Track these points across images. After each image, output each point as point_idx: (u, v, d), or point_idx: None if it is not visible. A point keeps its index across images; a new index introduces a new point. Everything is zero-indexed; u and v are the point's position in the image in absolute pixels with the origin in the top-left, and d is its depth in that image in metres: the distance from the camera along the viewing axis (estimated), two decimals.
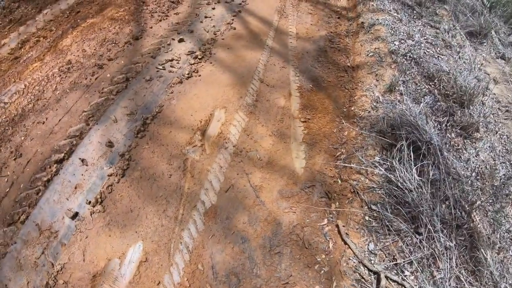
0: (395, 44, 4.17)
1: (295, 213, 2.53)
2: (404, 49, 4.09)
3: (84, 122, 3.15)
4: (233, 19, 4.58)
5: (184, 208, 2.54)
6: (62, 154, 2.92)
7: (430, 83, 3.62)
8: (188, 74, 3.60)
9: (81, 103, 3.36)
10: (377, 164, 2.74)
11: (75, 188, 2.70)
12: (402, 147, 2.64)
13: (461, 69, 3.61)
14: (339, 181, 2.77)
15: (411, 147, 2.65)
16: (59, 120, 3.24)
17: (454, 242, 2.23)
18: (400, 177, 2.52)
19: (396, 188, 2.51)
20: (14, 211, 2.63)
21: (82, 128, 3.10)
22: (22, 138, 3.16)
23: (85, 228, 2.47)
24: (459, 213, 2.34)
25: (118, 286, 2.18)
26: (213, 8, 4.75)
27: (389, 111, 3.10)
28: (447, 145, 2.91)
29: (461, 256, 2.22)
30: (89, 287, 2.19)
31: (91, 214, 2.53)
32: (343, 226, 2.42)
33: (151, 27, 4.37)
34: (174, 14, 4.65)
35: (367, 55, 4.09)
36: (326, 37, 4.60)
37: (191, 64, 3.73)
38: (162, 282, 2.18)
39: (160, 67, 3.69)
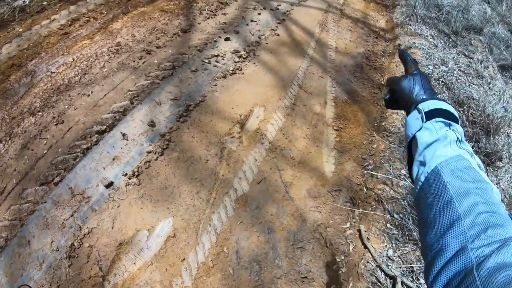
0: (429, 68, 4.31)
1: (320, 213, 2.63)
2: (437, 74, 4.23)
3: (129, 100, 3.31)
4: (277, 26, 4.75)
5: (217, 193, 2.65)
6: (104, 126, 3.06)
7: (459, 109, 3.73)
8: (232, 70, 3.76)
9: (127, 82, 3.53)
10: (403, 177, 2.86)
11: (113, 159, 2.81)
12: None
13: (490, 99, 3.72)
14: (365, 189, 2.88)
15: None
16: (104, 95, 3.40)
17: None
18: None
19: None
20: (49, 173, 2.72)
21: (126, 106, 3.26)
22: (66, 106, 3.31)
23: (118, 197, 2.55)
24: None
25: (143, 257, 2.25)
26: (259, 14, 4.93)
27: None
28: None
29: None
30: (114, 254, 2.25)
31: (125, 186, 2.62)
32: (365, 231, 2.51)
33: (199, 23, 4.56)
34: (222, 14, 4.85)
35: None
36: (363, 54, 4.75)
37: (235, 62, 3.89)
38: (186, 259, 2.25)
39: (206, 61, 3.85)
